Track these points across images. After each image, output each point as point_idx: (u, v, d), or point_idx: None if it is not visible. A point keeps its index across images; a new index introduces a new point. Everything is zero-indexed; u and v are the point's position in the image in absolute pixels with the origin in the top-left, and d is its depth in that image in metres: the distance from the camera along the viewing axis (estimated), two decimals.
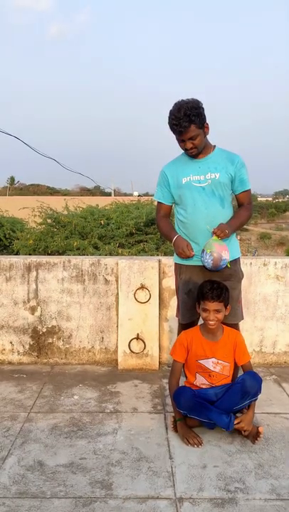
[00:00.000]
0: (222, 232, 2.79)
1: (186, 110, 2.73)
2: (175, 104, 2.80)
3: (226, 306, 2.80)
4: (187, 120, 2.74)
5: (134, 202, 12.08)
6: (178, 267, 3.07)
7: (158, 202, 3.13)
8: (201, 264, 2.91)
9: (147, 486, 2.31)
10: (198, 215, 2.88)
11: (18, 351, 3.97)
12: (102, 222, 9.98)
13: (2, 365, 3.96)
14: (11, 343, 3.97)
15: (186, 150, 2.89)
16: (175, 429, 2.81)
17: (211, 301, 2.72)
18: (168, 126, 2.84)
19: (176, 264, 3.09)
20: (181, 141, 2.85)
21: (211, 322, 2.76)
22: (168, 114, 2.81)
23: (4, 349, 3.97)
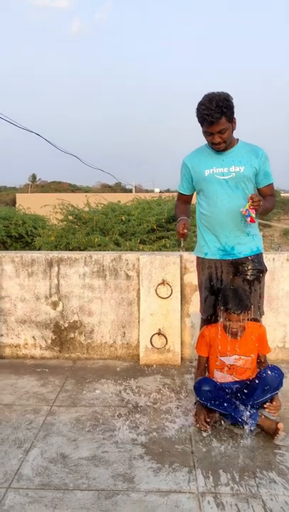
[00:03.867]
0: (259, 200, 2.67)
1: (218, 102, 2.66)
2: (205, 95, 2.73)
3: (249, 312, 2.76)
4: (219, 111, 2.66)
5: (155, 198, 12.04)
6: (199, 261, 3.05)
7: (179, 192, 3.12)
8: (221, 258, 2.89)
9: (169, 480, 2.31)
10: (220, 208, 2.84)
11: (40, 346, 4.01)
12: (123, 218, 9.97)
13: (25, 359, 4.01)
14: (33, 337, 4.01)
15: (213, 144, 2.80)
16: (197, 423, 2.81)
17: (234, 315, 2.69)
18: (197, 118, 2.76)
19: (197, 258, 3.07)
20: (210, 134, 2.76)
21: (234, 329, 2.74)
22: (197, 106, 2.73)
23: (27, 344, 4.02)
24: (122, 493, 2.21)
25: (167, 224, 10.00)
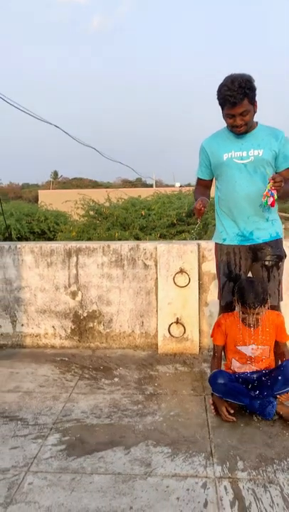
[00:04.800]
0: (281, 181, 2.61)
1: (241, 83, 2.59)
2: (227, 77, 2.65)
3: (265, 304, 2.70)
4: (242, 92, 2.59)
5: (175, 192, 12.00)
6: (218, 248, 3.02)
7: (197, 177, 3.08)
8: (240, 243, 2.86)
9: (186, 465, 2.31)
10: (239, 193, 2.80)
11: (60, 335, 4.05)
12: (143, 213, 9.98)
13: (45, 348, 4.05)
14: (53, 327, 4.05)
15: (234, 127, 2.73)
16: (216, 411, 2.79)
17: (252, 309, 2.65)
18: (218, 100, 2.69)
19: (216, 244, 3.04)
20: (231, 116, 2.69)
21: (250, 322, 2.70)
22: (218, 88, 2.66)
23: (47, 333, 4.07)
24: (138, 477, 2.22)
25: (188, 218, 9.97)
